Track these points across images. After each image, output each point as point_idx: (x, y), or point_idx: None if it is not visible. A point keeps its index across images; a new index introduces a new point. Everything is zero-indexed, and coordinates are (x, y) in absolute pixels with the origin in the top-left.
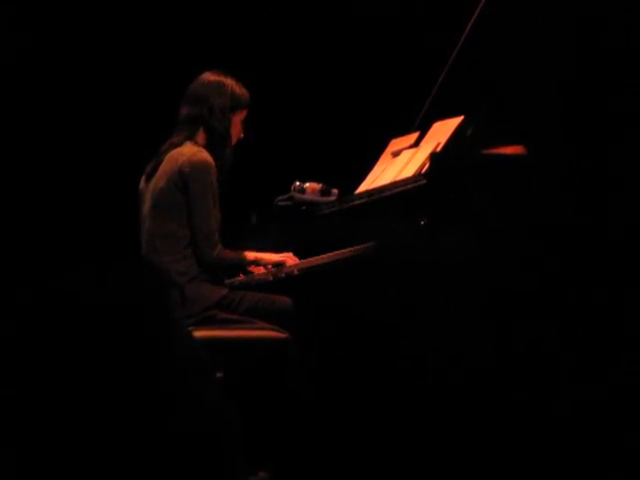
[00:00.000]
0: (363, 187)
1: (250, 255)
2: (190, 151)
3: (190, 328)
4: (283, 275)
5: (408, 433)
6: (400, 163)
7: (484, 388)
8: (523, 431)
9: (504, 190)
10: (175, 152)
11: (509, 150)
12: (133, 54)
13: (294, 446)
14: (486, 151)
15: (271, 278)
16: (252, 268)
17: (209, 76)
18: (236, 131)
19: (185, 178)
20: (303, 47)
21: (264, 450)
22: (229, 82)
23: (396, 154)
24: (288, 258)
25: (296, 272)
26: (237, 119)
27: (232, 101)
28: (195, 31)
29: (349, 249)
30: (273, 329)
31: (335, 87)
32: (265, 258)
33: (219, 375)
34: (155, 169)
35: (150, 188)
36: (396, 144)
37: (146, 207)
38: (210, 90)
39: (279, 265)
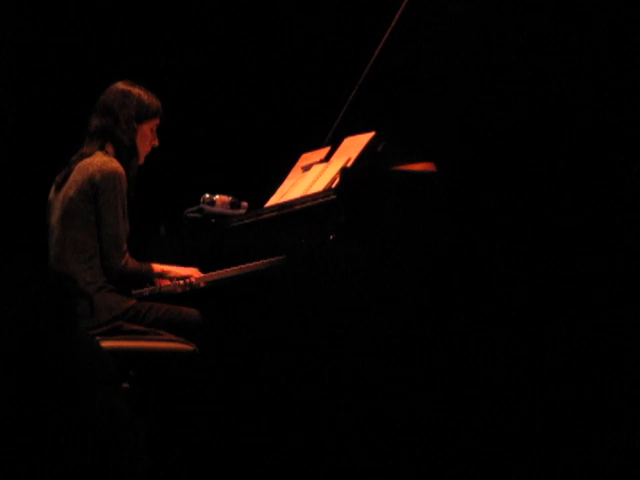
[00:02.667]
0: (273, 201)
1: (157, 267)
2: (101, 160)
3: (97, 338)
4: (188, 288)
5: (318, 445)
6: (310, 177)
7: (393, 398)
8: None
9: (413, 206)
10: (85, 162)
11: (419, 167)
12: (46, 61)
13: (199, 457)
14: (396, 167)
15: (179, 290)
16: (157, 280)
17: (117, 86)
18: (147, 140)
19: (95, 187)
20: (214, 61)
21: (169, 461)
22: (136, 92)
23: (306, 168)
24: (194, 272)
25: (202, 284)
26: (146, 128)
27: (138, 111)
28: (108, 40)
29: (258, 262)
30: (180, 341)
31: (246, 101)
32: (172, 271)
33: (125, 386)
34: (65, 179)
35: (60, 198)
36: (306, 158)
37: (55, 216)
38: (116, 101)
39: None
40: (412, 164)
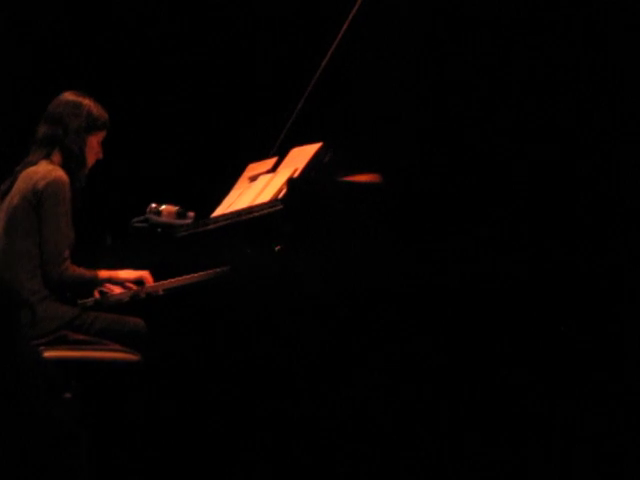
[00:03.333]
0: (219, 211)
1: (103, 274)
2: (45, 169)
3: (40, 348)
4: (144, 295)
5: (265, 454)
6: (257, 188)
7: (341, 406)
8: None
9: (360, 216)
10: (30, 170)
11: (365, 178)
12: None
13: (144, 467)
14: (343, 178)
15: (127, 298)
16: (110, 287)
17: (67, 96)
18: (93, 152)
19: (39, 196)
20: (161, 69)
21: (112, 472)
22: (86, 103)
23: (253, 179)
24: (145, 275)
25: (156, 293)
26: (94, 140)
27: (88, 122)
28: (54, 51)
29: (203, 272)
30: (124, 351)
31: (193, 110)
32: (121, 276)
33: (68, 396)
34: (10, 187)
35: (4, 207)
36: (253, 169)
37: (0, 225)
38: (66, 110)
39: (139, 283)
40: (358, 175)
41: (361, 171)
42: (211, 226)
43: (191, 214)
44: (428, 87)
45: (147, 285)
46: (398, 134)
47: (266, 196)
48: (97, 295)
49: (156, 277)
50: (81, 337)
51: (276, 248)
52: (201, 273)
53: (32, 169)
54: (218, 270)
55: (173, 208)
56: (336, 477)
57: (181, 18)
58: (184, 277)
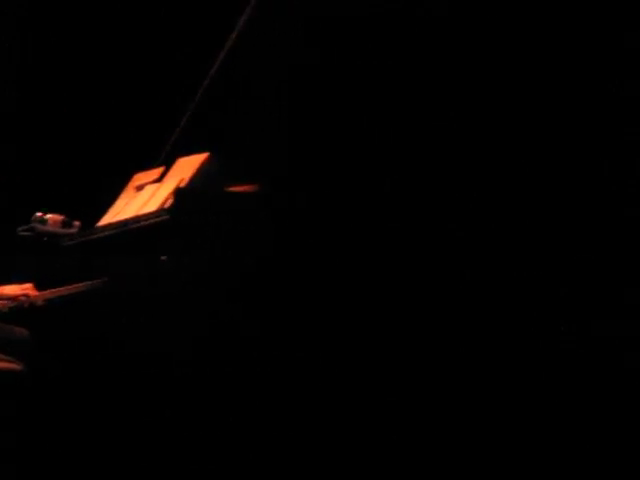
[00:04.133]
0: (105, 220)
1: None
2: None
3: None
4: (26, 306)
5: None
6: (143, 198)
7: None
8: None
9: (246, 226)
10: None
11: (251, 188)
12: None
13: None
14: (229, 188)
15: (6, 310)
16: None
17: None
18: None
19: None
20: (44, 75)
21: None
22: None
23: (139, 188)
24: (29, 290)
25: (40, 303)
26: None
27: None
28: None
29: (87, 282)
30: (8, 360)
31: (78, 118)
32: (4, 292)
33: None
34: None
35: None
36: (139, 178)
37: None
38: None
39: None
40: (244, 185)
41: (246, 181)
42: (97, 235)
43: (77, 223)
44: (317, 94)
45: (30, 296)
46: (283, 143)
47: (152, 206)
48: None
49: (42, 287)
50: None
51: (161, 258)
52: (84, 283)
53: None
54: (101, 280)
55: (59, 217)
56: None
57: (71, 19)
58: (66, 287)
